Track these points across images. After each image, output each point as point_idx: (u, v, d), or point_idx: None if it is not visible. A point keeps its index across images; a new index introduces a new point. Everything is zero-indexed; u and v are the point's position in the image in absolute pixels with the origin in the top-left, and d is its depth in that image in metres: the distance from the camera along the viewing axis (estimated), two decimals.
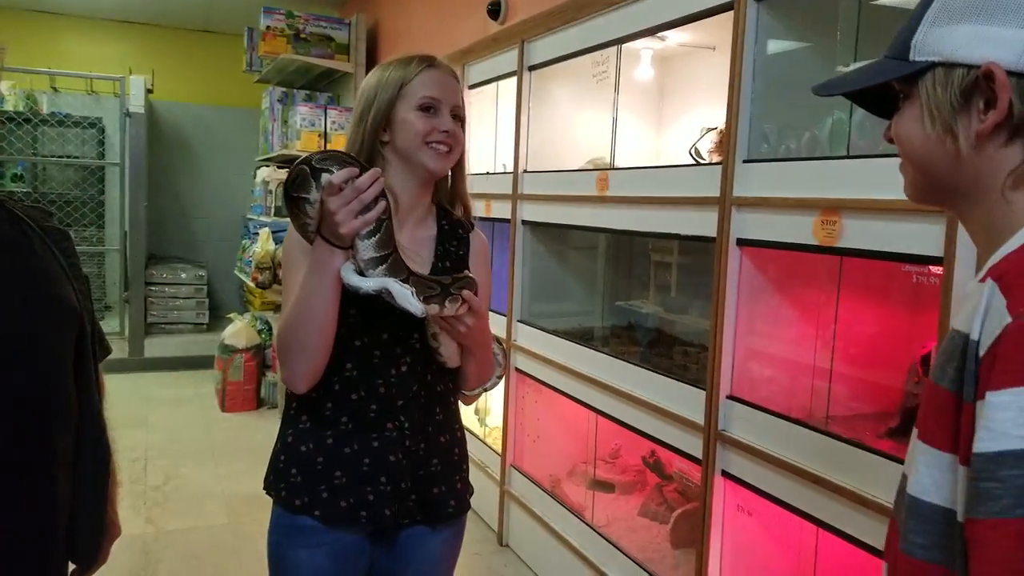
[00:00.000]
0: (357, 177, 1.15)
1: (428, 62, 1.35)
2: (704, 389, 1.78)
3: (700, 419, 1.79)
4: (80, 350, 1.20)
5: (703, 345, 2.30)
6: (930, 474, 0.67)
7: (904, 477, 0.75)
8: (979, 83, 0.67)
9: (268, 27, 4.60)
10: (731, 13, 1.71)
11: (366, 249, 1.19)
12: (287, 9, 4.64)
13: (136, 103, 5.64)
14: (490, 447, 3.03)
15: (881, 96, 0.78)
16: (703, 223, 1.78)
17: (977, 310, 0.64)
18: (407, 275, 1.21)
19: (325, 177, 1.16)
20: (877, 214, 1.36)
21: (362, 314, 1.30)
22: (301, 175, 1.18)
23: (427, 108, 1.31)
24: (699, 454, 1.80)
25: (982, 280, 0.68)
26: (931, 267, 1.45)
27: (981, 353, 0.62)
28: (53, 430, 1.13)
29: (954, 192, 0.73)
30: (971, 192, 0.72)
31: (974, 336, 0.63)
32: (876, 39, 1.69)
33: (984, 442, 0.59)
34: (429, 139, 1.31)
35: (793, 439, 1.57)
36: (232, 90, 6.83)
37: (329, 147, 4.49)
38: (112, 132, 6.34)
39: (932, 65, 0.70)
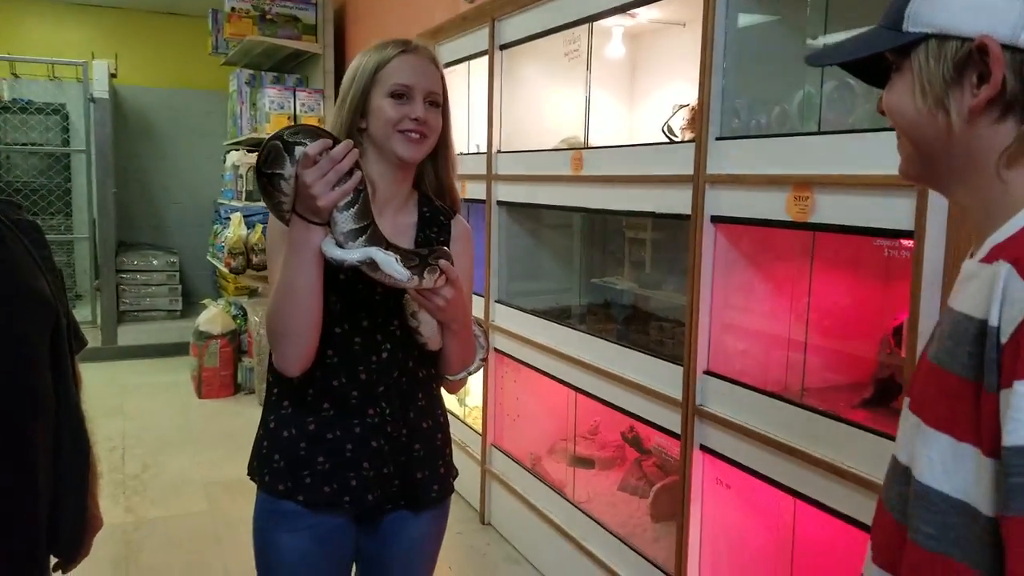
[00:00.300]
0: (331, 148, 1.14)
1: (403, 47, 1.33)
2: (681, 365, 1.80)
3: (678, 395, 1.81)
4: (56, 343, 1.18)
5: (678, 320, 2.32)
6: (942, 462, 0.64)
7: (895, 460, 0.73)
8: (972, 56, 0.65)
9: (233, 8, 4.52)
10: None
11: (345, 221, 1.17)
12: None
13: (100, 88, 5.53)
14: (470, 427, 3.04)
15: (875, 64, 0.75)
16: (677, 200, 1.79)
17: (994, 295, 0.61)
18: (386, 246, 1.19)
19: (299, 150, 1.14)
20: (849, 189, 1.38)
21: (343, 301, 1.30)
22: (273, 151, 1.16)
23: (399, 95, 1.30)
24: (678, 429, 1.83)
25: (985, 260, 0.65)
26: (901, 240, 1.47)
27: (1003, 340, 0.59)
28: (31, 423, 1.12)
29: (949, 171, 0.71)
30: (964, 170, 0.70)
31: (992, 322, 0.60)
32: (846, 11, 1.70)
33: (1014, 435, 0.57)
34: (400, 127, 1.29)
35: (769, 412, 1.59)
36: (199, 73, 6.71)
37: None
38: (76, 118, 6.21)
39: (925, 37, 0.67)
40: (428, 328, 1.34)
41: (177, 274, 6.42)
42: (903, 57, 0.70)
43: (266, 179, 1.18)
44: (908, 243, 1.36)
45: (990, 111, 0.66)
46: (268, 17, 4.57)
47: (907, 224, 1.27)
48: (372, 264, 1.15)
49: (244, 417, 4.40)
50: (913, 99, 0.69)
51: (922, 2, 0.68)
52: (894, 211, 1.29)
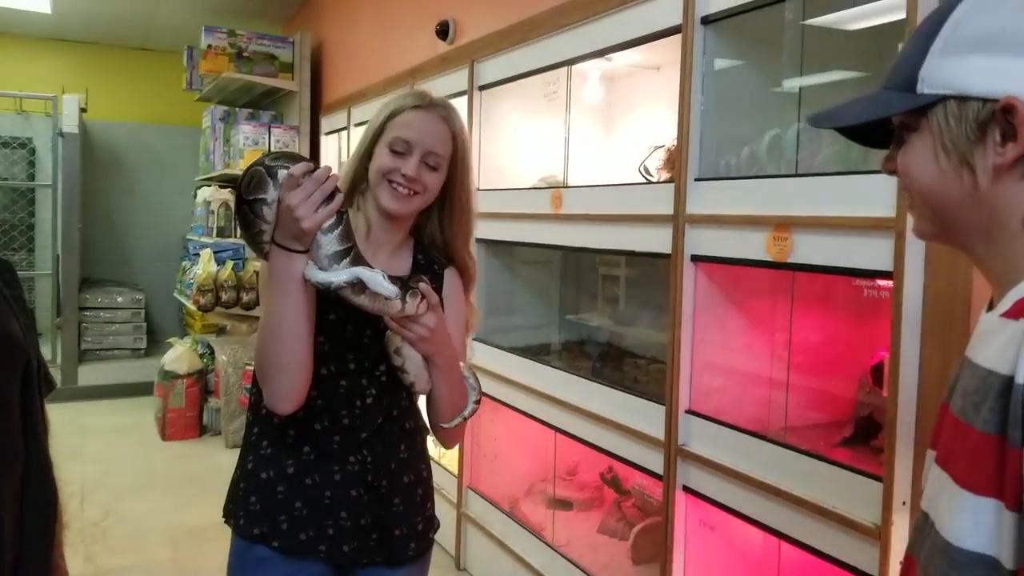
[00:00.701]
0: (313, 171, 1.13)
1: (419, 101, 1.33)
2: (663, 404, 1.80)
3: (660, 434, 1.80)
4: (26, 387, 1.14)
5: (654, 358, 2.33)
6: (966, 518, 0.64)
7: (926, 515, 0.73)
8: (996, 116, 0.66)
9: (209, 45, 4.52)
10: (678, 35, 1.74)
11: (329, 243, 1.16)
12: (229, 28, 4.57)
13: (70, 123, 5.47)
14: (446, 469, 2.99)
15: (875, 126, 0.76)
16: (658, 240, 1.80)
17: (1022, 351, 0.61)
18: (363, 260, 1.19)
19: (282, 173, 1.13)
20: (827, 230, 1.40)
21: (330, 342, 1.28)
22: (256, 176, 1.14)
23: (397, 149, 1.30)
24: (660, 469, 1.81)
25: (1008, 315, 0.67)
26: (878, 280, 1.49)
27: None
28: (1, 474, 1.07)
29: (968, 228, 0.72)
30: (988, 227, 0.70)
31: (1019, 379, 0.61)
32: (818, 56, 1.75)
33: None
34: (390, 176, 1.29)
35: (752, 452, 1.59)
36: (171, 109, 6.67)
37: None
38: (43, 152, 6.12)
39: (943, 98, 0.68)
40: (413, 364, 1.31)
41: (142, 311, 6.30)
42: (917, 118, 0.71)
43: (247, 207, 1.16)
44: (886, 283, 1.38)
45: (1015, 168, 0.67)
46: (245, 54, 4.57)
47: (885, 264, 1.29)
48: (358, 285, 1.14)
49: (210, 460, 4.29)
50: (935, 159, 0.70)
51: (936, 65, 0.69)
52: (872, 251, 1.31)
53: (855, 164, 1.75)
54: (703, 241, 1.68)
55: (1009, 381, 0.62)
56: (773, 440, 1.58)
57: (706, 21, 1.68)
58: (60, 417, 4.85)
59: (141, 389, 5.39)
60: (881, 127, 0.77)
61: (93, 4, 5.38)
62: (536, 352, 2.67)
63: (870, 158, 1.77)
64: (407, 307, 1.18)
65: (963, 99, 0.68)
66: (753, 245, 1.54)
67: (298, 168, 1.12)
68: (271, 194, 1.13)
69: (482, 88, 2.66)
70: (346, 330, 1.29)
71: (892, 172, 0.77)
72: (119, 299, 6.27)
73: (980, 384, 0.66)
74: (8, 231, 6.18)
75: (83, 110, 5.90)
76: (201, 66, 4.61)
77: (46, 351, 6.00)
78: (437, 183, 1.33)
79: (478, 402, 1.42)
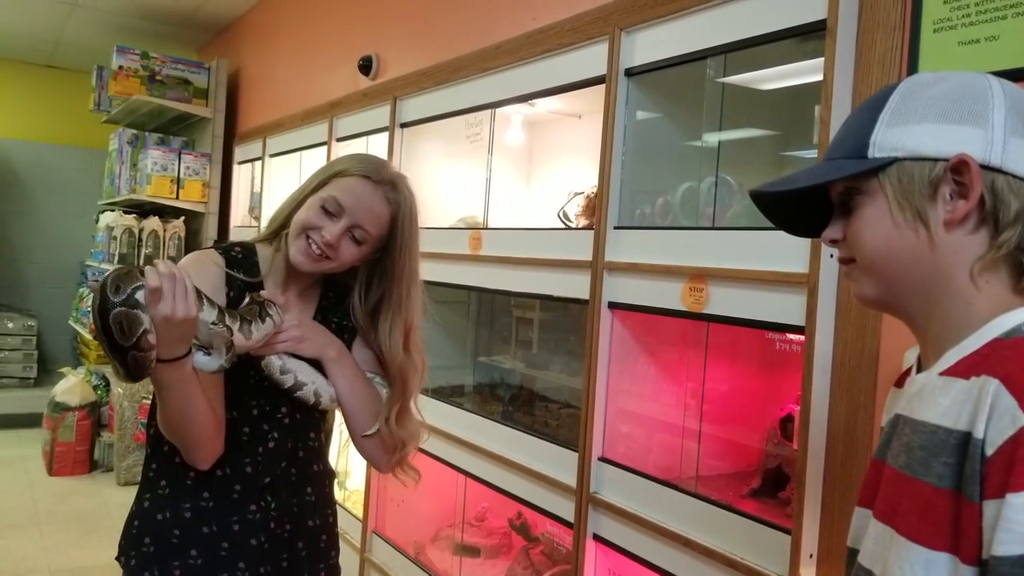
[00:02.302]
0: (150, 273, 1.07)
1: (369, 172, 1.28)
2: (576, 451, 1.78)
3: (572, 481, 1.78)
4: None
5: (566, 402, 2.32)
6: (918, 572, 0.66)
7: (861, 567, 0.74)
8: (946, 175, 0.72)
9: (121, 67, 4.36)
10: (602, 85, 1.77)
11: (208, 314, 1.11)
12: (143, 49, 4.42)
13: None
14: (350, 512, 2.89)
15: (803, 206, 0.83)
16: (576, 285, 1.80)
17: (980, 409, 0.64)
18: (233, 312, 1.17)
19: (141, 294, 1.05)
20: (742, 283, 1.42)
21: (232, 388, 1.23)
22: (123, 318, 1.04)
23: (328, 208, 1.25)
24: (571, 517, 1.78)
25: (949, 373, 0.70)
26: (789, 334, 1.53)
27: (988, 452, 0.62)
28: None
29: (913, 289, 0.75)
30: (930, 283, 0.74)
31: (978, 435, 0.63)
32: (734, 113, 1.80)
33: (1006, 544, 0.59)
34: (309, 232, 1.25)
35: (663, 501, 1.58)
36: (75, 129, 6.38)
37: (181, 193, 4.28)
38: None
39: (894, 160, 0.74)
40: (305, 374, 1.26)
41: (34, 339, 5.95)
42: (866, 181, 0.76)
43: (134, 351, 1.05)
44: (797, 336, 1.40)
45: (966, 223, 0.72)
46: (158, 78, 4.43)
47: (798, 319, 1.32)
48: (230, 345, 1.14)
49: (99, 498, 4.05)
50: (890, 217, 0.74)
51: (886, 132, 0.75)
52: (785, 306, 1.34)
53: (762, 220, 1.80)
54: (620, 288, 1.69)
55: (965, 437, 0.65)
56: (683, 489, 1.58)
57: (630, 73, 1.71)
58: None
59: (28, 420, 5.10)
60: (808, 209, 0.82)
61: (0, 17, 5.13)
62: (448, 394, 2.62)
63: None
64: (255, 336, 1.16)
65: (915, 160, 0.73)
66: (669, 295, 1.55)
67: (151, 279, 1.04)
68: (146, 321, 1.05)
69: (404, 126, 2.64)
70: (249, 374, 1.24)
71: (834, 243, 0.81)
72: (9, 325, 5.92)
73: (928, 440, 0.69)
74: None
75: None
76: (111, 87, 4.44)
77: None
78: (354, 258, 1.29)
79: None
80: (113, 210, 4.72)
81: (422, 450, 2.42)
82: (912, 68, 1.22)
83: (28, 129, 6.42)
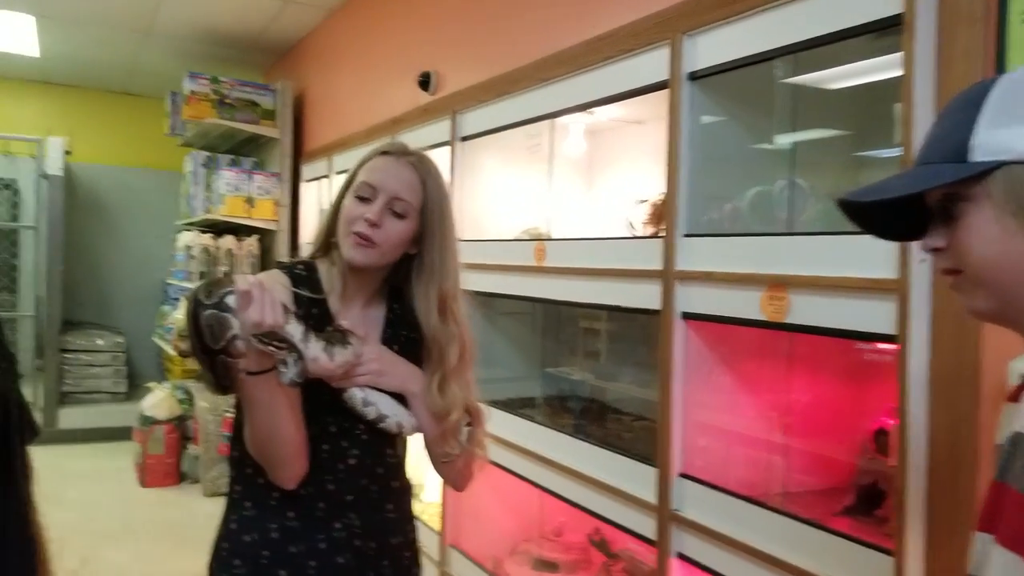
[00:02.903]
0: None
1: (385, 149, 1.30)
2: (654, 466, 1.73)
3: (652, 498, 1.72)
4: (4, 436, 1.07)
5: (638, 414, 2.26)
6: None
7: None
8: None
9: (192, 92, 4.49)
10: (665, 91, 1.71)
11: (296, 327, 1.14)
12: (212, 74, 4.55)
13: (54, 165, 5.42)
14: (426, 525, 2.89)
15: (893, 210, 0.77)
16: (646, 295, 1.74)
17: None
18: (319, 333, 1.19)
19: (231, 298, 1.09)
20: (825, 290, 1.34)
21: (309, 406, 1.22)
22: (213, 320, 1.09)
23: (363, 194, 1.25)
24: (652, 535, 1.73)
25: None
26: (877, 343, 1.44)
27: None
28: None
29: None
30: None
31: None
32: (804, 114, 1.72)
33: None
34: (354, 227, 1.23)
35: (749, 519, 1.51)
36: (153, 153, 6.64)
37: (253, 212, 4.38)
38: (27, 194, 6.07)
39: (1001, 164, 0.69)
40: (387, 406, 1.26)
41: (123, 355, 6.20)
42: (969, 188, 0.71)
43: (222, 355, 1.10)
44: (888, 346, 1.32)
45: None
46: (227, 101, 4.54)
47: (888, 328, 1.24)
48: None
49: (187, 509, 4.19)
50: (999, 224, 0.69)
51: (990, 133, 0.69)
52: (875, 314, 1.26)
53: (843, 224, 1.71)
54: (694, 298, 1.63)
55: None
56: (770, 507, 1.50)
57: (693, 77, 1.65)
58: (40, 460, 4.69)
59: (121, 433, 5.28)
60: (898, 212, 0.77)
61: (79, 48, 5.37)
62: (518, 406, 2.59)
63: None
64: (337, 359, 1.17)
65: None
66: (747, 304, 1.48)
67: (241, 284, 1.09)
68: (236, 326, 1.09)
69: (464, 139, 2.62)
70: (324, 391, 1.24)
71: (935, 251, 0.75)
72: (100, 342, 6.17)
73: None
74: None
75: (67, 153, 5.86)
76: (184, 112, 4.58)
77: (27, 393, 5.85)
78: (402, 233, 1.26)
79: (470, 424, 1.34)
80: (190, 230, 4.88)
81: (496, 463, 2.41)
82: (1000, 62, 1.13)
83: (110, 154, 6.71)
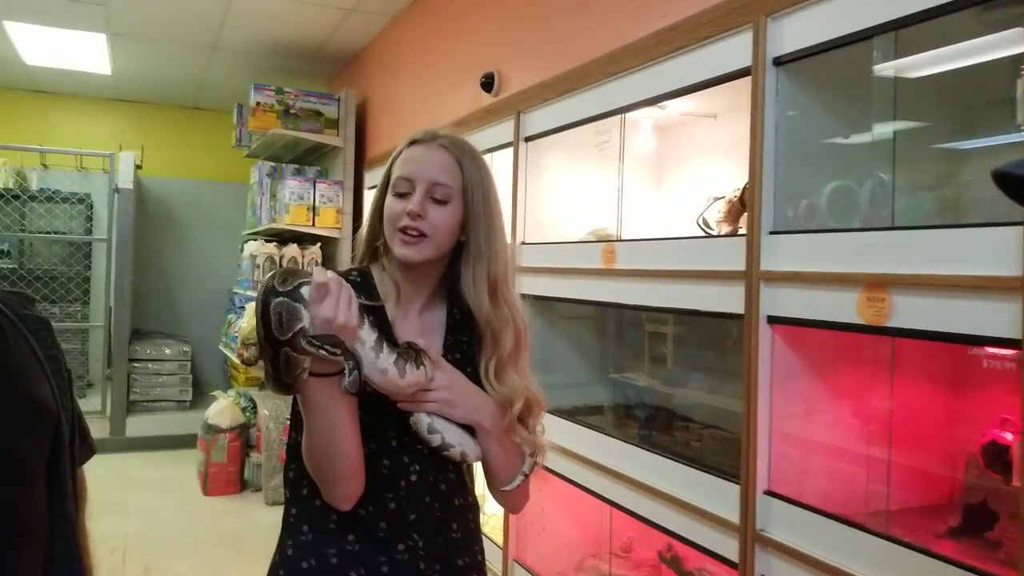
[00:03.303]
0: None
1: (414, 138, 1.24)
2: (736, 482, 1.61)
3: (734, 517, 1.61)
4: (55, 456, 1.03)
5: (709, 423, 2.14)
6: None
7: None
8: None
9: (258, 103, 4.55)
10: (742, 80, 1.61)
11: (369, 335, 1.07)
12: (277, 85, 4.60)
13: (125, 179, 5.56)
14: (488, 537, 2.81)
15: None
16: (727, 298, 1.63)
17: None
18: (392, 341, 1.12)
19: (306, 289, 1.02)
20: (933, 290, 1.22)
21: (369, 417, 1.15)
22: (284, 308, 1.02)
23: (401, 191, 1.19)
24: (734, 556, 1.61)
25: None
26: (987, 348, 1.30)
27: None
28: (18, 553, 0.94)
29: None
30: None
31: None
32: (897, 102, 1.59)
33: None
34: (399, 224, 1.17)
35: (843, 541, 1.39)
36: (220, 165, 6.78)
37: (316, 220, 4.40)
38: (100, 207, 6.26)
39: None
40: (453, 435, 1.18)
41: (189, 364, 6.31)
42: None
43: (287, 347, 1.02)
44: (1005, 351, 1.19)
45: None
46: (291, 111, 4.59)
47: (1009, 331, 1.11)
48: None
49: (249, 518, 4.20)
50: None
51: None
52: (992, 316, 1.13)
53: (934, 218, 1.58)
54: (781, 301, 1.51)
55: None
56: (867, 528, 1.37)
57: (778, 62, 1.54)
58: (106, 468, 4.92)
59: (185, 441, 5.38)
60: None
61: (148, 65, 5.51)
62: (586, 413, 2.50)
63: (962, 210, 1.60)
64: (408, 377, 1.09)
65: None
66: (842, 306, 1.36)
67: (318, 275, 1.02)
68: (306, 319, 1.02)
69: (528, 139, 2.55)
70: (385, 403, 1.16)
71: None
72: (167, 351, 6.29)
73: None
74: (64, 283, 6.28)
75: (138, 167, 6.02)
76: (250, 123, 4.64)
77: (96, 402, 6.02)
78: (449, 219, 1.19)
79: (534, 455, 1.27)
80: (256, 239, 4.93)
81: (560, 474, 2.31)
82: None
83: (179, 167, 6.88)
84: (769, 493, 1.54)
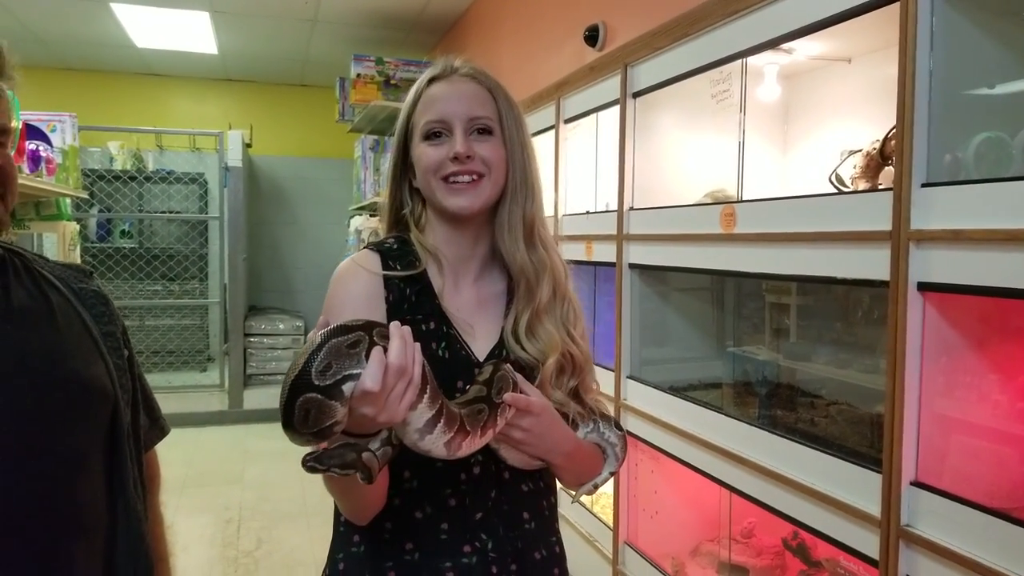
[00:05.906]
0: (385, 360, 0.83)
1: (433, 75, 1.09)
2: (877, 471, 1.42)
3: (874, 509, 1.42)
4: (114, 441, 0.97)
5: (837, 400, 1.94)
6: None
7: None
8: None
9: (359, 75, 4.54)
10: (894, 5, 1.38)
11: (420, 416, 0.89)
12: (376, 55, 4.57)
13: (234, 157, 5.72)
14: (598, 517, 2.69)
15: None
16: (867, 263, 1.43)
17: None
18: (446, 413, 0.92)
19: (350, 386, 0.83)
20: None
21: None
22: (313, 406, 0.83)
23: (435, 134, 1.04)
24: (873, 553, 1.43)
25: None
26: None
27: None
28: (68, 545, 0.89)
29: None
30: None
31: None
32: None
33: None
34: (441, 172, 1.03)
35: (1003, 539, 1.19)
36: (326, 141, 6.89)
37: None
38: (214, 187, 6.48)
39: None
40: (515, 456, 1.07)
41: (302, 338, 6.49)
42: None
43: (311, 438, 0.85)
44: None
45: None
46: (392, 82, 4.56)
47: None
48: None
49: None
50: None
51: None
52: None
53: None
54: (936, 265, 1.30)
55: None
56: None
57: None
58: (225, 439, 5.10)
59: None
60: None
61: (252, 42, 5.61)
62: (699, 388, 2.34)
63: None
64: (466, 446, 0.95)
65: None
66: (1018, 270, 1.15)
67: (370, 383, 0.82)
68: (340, 414, 0.85)
69: (636, 95, 2.37)
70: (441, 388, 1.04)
71: None
72: (280, 326, 6.49)
73: None
74: (182, 261, 6.56)
75: (248, 145, 6.17)
76: (351, 96, 4.65)
77: (214, 376, 6.28)
78: (499, 153, 1.05)
79: (614, 472, 1.16)
80: (361, 214, 4.96)
81: (675, 456, 2.16)
82: None
83: (288, 145, 7.04)
84: (917, 484, 1.34)
